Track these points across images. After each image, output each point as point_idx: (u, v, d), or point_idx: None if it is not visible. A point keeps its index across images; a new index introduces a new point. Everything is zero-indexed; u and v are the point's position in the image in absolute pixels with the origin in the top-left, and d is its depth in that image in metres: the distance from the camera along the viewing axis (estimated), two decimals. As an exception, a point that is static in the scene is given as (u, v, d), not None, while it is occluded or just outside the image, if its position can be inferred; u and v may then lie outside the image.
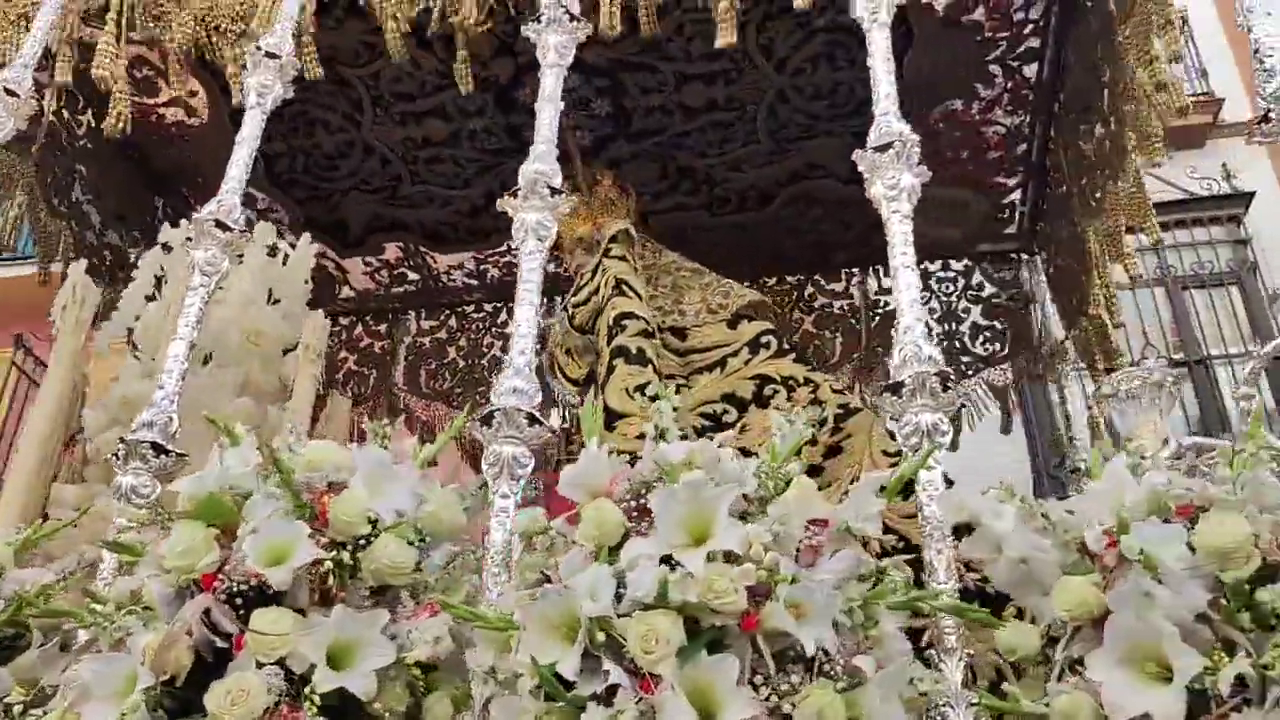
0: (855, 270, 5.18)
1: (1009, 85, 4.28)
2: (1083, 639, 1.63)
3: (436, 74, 4.20)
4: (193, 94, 4.34)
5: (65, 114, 4.25)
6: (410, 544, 1.97)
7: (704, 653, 1.56)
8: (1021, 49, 4.16)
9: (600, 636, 1.59)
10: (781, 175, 4.69)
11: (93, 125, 4.36)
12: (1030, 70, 4.25)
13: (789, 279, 5.21)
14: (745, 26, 4.07)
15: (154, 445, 2.24)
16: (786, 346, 3.26)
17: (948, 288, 5.09)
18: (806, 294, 5.18)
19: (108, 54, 3.29)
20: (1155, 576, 1.53)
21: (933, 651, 1.77)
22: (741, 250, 5.08)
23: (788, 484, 1.76)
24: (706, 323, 3.36)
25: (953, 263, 5.11)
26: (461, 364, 5.23)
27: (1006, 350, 4.93)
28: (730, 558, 1.65)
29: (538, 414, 2.14)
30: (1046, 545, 1.72)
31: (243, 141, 2.81)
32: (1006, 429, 4.86)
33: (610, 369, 3.08)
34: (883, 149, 2.36)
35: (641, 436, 2.37)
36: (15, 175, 3.88)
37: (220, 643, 1.79)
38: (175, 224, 4.88)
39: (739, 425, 2.97)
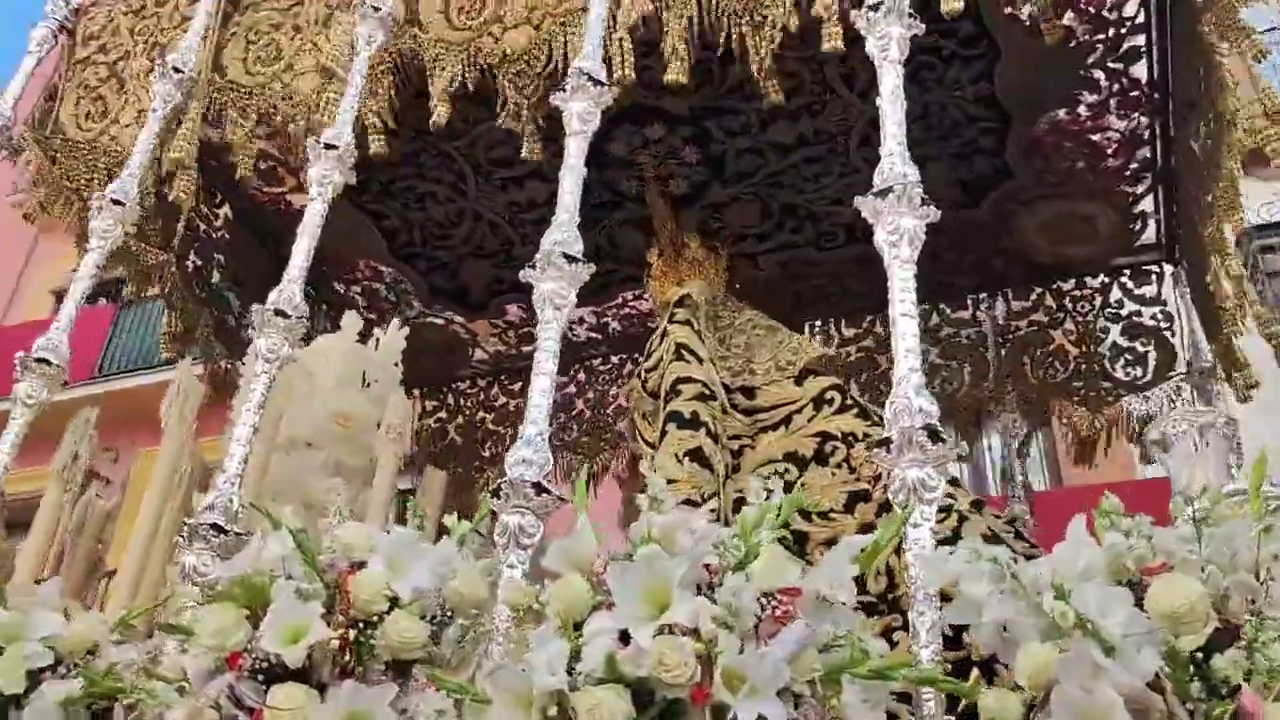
0: (983, 295, 5.01)
1: (1115, 88, 4.06)
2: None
3: (530, 138, 4.36)
4: (314, 181, 4.64)
5: (203, 208, 4.66)
6: (429, 619, 2.08)
7: (652, 724, 1.59)
8: (1124, 49, 3.95)
9: (553, 711, 1.64)
10: (886, 205, 4.60)
11: (229, 217, 4.77)
12: (1139, 70, 4.04)
13: (913, 309, 5.09)
14: (821, 57, 4.05)
15: (214, 526, 2.43)
16: (850, 402, 3.21)
17: (1083, 307, 4.84)
18: (931, 324, 5.03)
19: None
20: (1106, 644, 1.45)
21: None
22: (859, 283, 5.00)
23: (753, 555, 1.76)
24: (775, 380, 3.34)
25: (1088, 280, 4.87)
26: (589, 414, 5.35)
27: (1150, 376, 4.66)
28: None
29: (545, 482, 2.20)
30: (1023, 608, 1.66)
31: (304, 232, 2.99)
32: (1146, 459, 4.57)
33: (663, 433, 3.11)
34: (883, 194, 2.31)
35: (687, 502, 2.41)
36: (154, 271, 4.25)
37: (243, 717, 1.94)
38: (318, 302, 5.28)
39: (798, 484, 2.94)
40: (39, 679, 2.28)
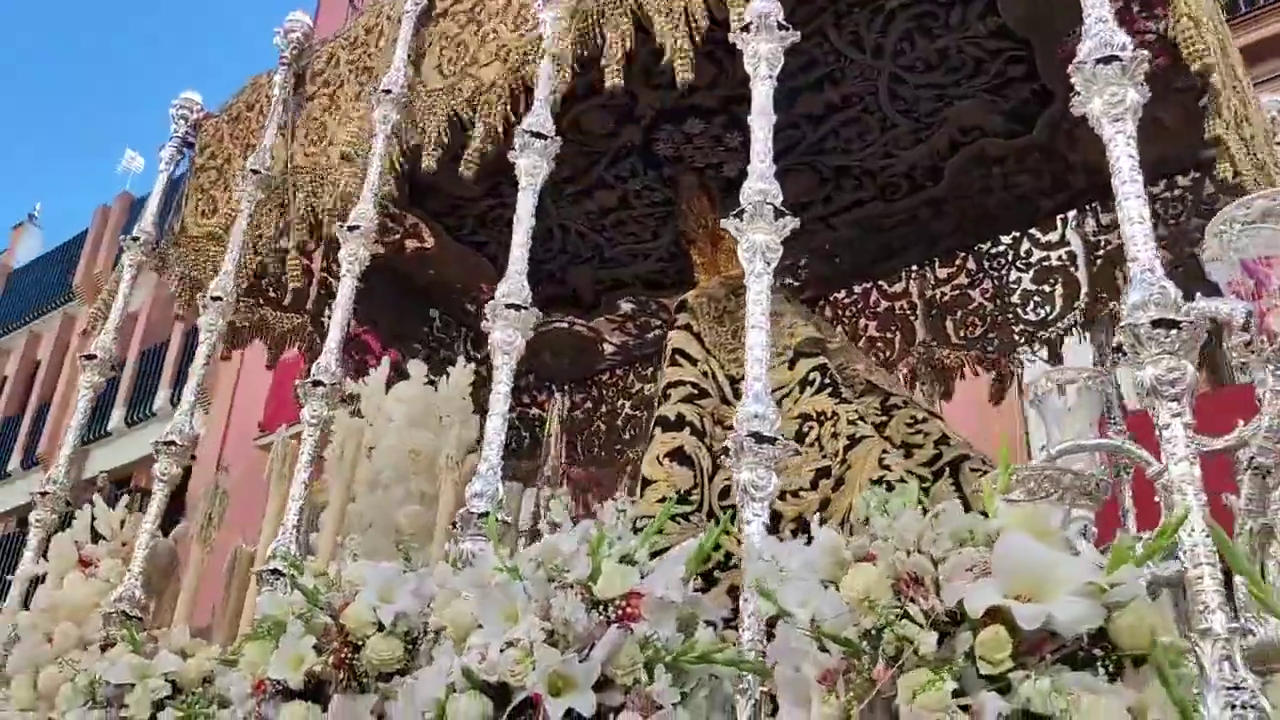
0: (1073, 214, 4.91)
1: (1130, -6, 3.94)
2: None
3: (581, 155, 4.70)
4: (416, 225, 5.21)
5: (335, 266, 5.33)
6: (411, 636, 2.54)
7: (506, 720, 1.98)
8: (1124, -47, 3.84)
9: (436, 713, 2.05)
10: (938, 148, 4.63)
11: (360, 270, 5.42)
12: (1157, -32, 3.90)
13: (1004, 239, 5.06)
14: (824, 29, 4.16)
15: (274, 571, 2.98)
16: (827, 381, 3.33)
17: (1175, 208, 4.66)
18: (1023, 251, 5.00)
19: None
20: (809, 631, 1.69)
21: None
22: (941, 223, 5.05)
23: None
24: (772, 367, 3.51)
25: (1179, 179, 4.67)
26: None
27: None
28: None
29: (492, 509, 2.59)
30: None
31: (338, 306, 3.50)
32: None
33: (651, 438, 3.38)
34: (741, 214, 2.52)
35: (662, 500, 2.77)
36: (289, 331, 4.96)
37: (267, 730, 2.48)
38: (458, 326, 5.88)
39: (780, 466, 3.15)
40: (163, 706, 2.92)
